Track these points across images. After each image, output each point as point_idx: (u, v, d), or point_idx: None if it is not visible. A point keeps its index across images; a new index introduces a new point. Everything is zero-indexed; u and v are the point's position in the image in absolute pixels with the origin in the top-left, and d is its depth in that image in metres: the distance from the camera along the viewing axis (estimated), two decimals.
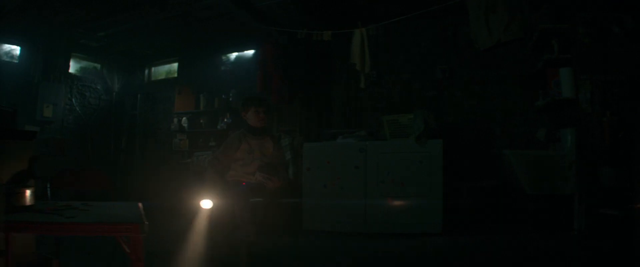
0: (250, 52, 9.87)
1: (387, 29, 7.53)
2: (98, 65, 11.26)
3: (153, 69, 11.69)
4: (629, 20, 5.82)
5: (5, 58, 9.40)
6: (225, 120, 9.75)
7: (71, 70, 10.63)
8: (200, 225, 5.17)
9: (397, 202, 6.67)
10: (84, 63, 11.01)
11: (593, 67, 6.04)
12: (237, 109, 9.37)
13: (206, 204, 4.98)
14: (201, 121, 10.37)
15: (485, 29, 5.98)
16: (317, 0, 7.61)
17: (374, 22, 7.08)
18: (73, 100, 10.53)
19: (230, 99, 9.87)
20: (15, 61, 9.59)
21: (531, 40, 6.66)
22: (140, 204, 3.51)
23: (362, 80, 7.36)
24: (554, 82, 6.37)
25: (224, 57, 10.38)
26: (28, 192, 2.94)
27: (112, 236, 2.97)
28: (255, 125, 5.09)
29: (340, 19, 7.45)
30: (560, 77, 6.27)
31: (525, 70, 7.06)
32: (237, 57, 10.20)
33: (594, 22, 6.01)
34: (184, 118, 10.48)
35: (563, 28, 6.30)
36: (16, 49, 9.62)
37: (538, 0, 6.55)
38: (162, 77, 11.55)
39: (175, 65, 11.25)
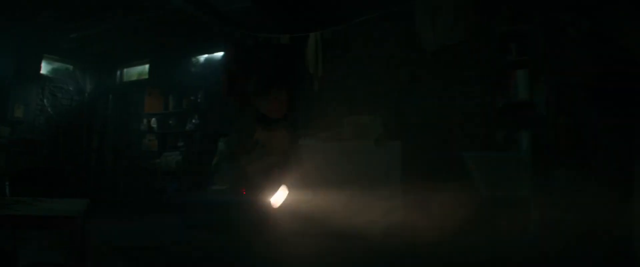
0: (219, 54, 9.69)
1: (352, 31, 7.48)
2: (70, 66, 11.06)
3: (125, 70, 11.49)
4: (585, 21, 5.84)
5: None
6: (194, 121, 9.67)
7: (43, 71, 10.44)
8: None
9: (357, 203, 6.65)
10: (56, 64, 10.81)
11: (549, 69, 6.06)
12: (205, 110, 9.39)
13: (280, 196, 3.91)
14: (170, 122, 10.26)
15: (430, 32, 6.08)
16: (279, 4, 7.60)
17: (336, 24, 7.10)
18: (45, 100, 10.34)
19: (199, 100, 9.77)
20: None
21: (493, 41, 6.68)
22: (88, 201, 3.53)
23: (315, 84, 7.38)
24: (512, 84, 6.39)
25: (193, 59, 10.23)
26: None
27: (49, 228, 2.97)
28: (270, 114, 3.65)
29: (304, 21, 7.48)
30: (517, 79, 6.27)
31: (487, 72, 7.03)
32: (206, 59, 10.05)
33: (551, 24, 6.04)
34: (153, 119, 10.39)
35: (521, 30, 6.33)
36: None
37: (495, 3, 6.60)
38: (134, 78, 11.37)
39: (147, 66, 11.09)
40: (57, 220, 2.87)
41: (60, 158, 10.40)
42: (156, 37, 9.54)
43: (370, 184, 6.56)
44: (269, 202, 3.91)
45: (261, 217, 4.37)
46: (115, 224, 7.70)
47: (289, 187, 4.15)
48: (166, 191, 9.40)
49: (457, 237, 6.00)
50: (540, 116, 6.09)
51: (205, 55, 10.01)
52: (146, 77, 11.09)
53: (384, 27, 7.61)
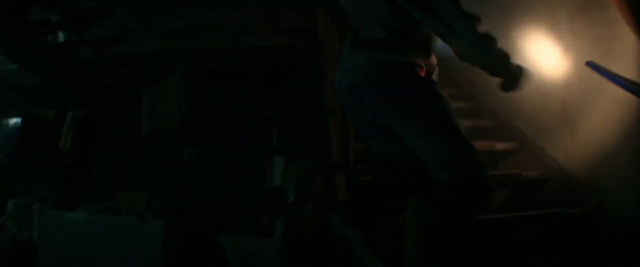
0: None
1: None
2: None
3: None
4: None
5: None
6: None
7: None
8: None
9: None
10: None
11: (302, 155, 6.00)
12: (3, 172, 8.92)
13: None
14: None
15: (148, 117, 6.52)
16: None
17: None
18: None
19: None
20: None
21: (260, 127, 6.68)
22: None
23: (64, 157, 7.42)
24: (270, 170, 6.32)
25: (4, 122, 9.82)
26: None
27: None
28: None
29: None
30: (274, 166, 6.21)
31: (258, 156, 6.97)
32: (15, 123, 9.54)
33: (304, 111, 6.06)
34: None
35: (281, 118, 6.30)
36: None
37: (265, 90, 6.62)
38: None
39: None
40: None
41: None
42: None
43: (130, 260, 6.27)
44: None
45: None
46: None
47: None
48: None
49: None
50: (289, 203, 5.96)
51: (15, 119, 9.61)
52: None
53: None
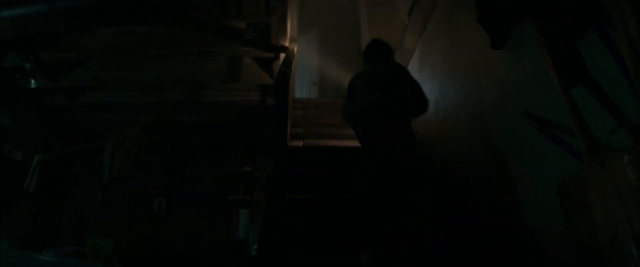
0: None
1: None
2: None
3: None
4: None
5: None
6: None
7: None
8: None
9: None
10: None
11: (266, 210, 6.03)
12: None
13: None
14: None
15: (108, 163, 6.35)
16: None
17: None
18: None
19: None
20: None
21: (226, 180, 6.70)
22: None
23: (30, 199, 7.35)
24: (235, 222, 6.33)
25: None
26: None
27: None
28: None
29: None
30: (240, 218, 6.22)
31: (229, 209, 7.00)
32: None
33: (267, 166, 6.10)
34: None
35: (247, 171, 6.35)
36: None
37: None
38: None
39: None
40: None
41: None
42: None
43: None
44: None
45: None
46: None
47: None
48: None
49: None
50: (252, 256, 5.97)
51: None
52: None
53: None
